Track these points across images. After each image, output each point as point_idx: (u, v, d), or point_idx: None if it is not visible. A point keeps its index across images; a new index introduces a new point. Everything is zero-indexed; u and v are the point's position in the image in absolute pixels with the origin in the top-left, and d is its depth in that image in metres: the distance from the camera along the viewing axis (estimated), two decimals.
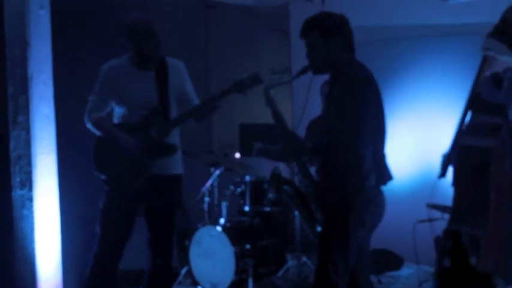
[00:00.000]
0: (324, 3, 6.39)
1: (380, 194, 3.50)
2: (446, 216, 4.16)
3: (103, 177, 4.28)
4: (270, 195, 5.64)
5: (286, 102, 6.58)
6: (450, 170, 4.03)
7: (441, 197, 4.07)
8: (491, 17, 3.94)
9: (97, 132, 4.28)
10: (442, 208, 4.14)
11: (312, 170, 3.76)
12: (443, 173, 4.01)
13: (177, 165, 4.41)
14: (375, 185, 3.44)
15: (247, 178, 5.80)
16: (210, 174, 5.91)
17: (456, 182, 3.82)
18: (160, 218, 4.42)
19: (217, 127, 7.84)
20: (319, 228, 3.61)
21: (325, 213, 3.56)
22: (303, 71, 3.65)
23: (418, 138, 4.57)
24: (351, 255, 3.40)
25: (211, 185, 5.91)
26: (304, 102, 6.34)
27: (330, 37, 3.47)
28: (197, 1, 6.87)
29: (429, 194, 3.94)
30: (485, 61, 3.91)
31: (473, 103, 3.86)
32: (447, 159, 4.04)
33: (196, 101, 4.39)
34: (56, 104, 4.75)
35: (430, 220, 4.10)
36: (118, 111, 4.33)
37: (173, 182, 4.40)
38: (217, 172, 5.86)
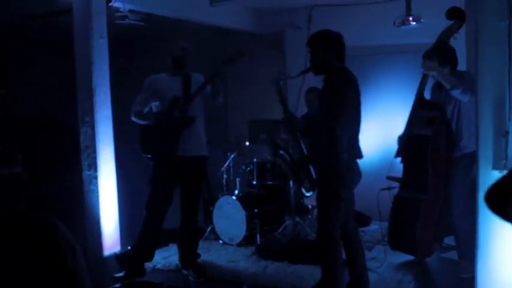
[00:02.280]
0: (309, 30, 6.44)
1: (356, 164, 3.58)
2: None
3: (149, 155, 4.34)
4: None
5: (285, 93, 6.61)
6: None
7: (396, 171, 4.13)
8: (434, 38, 3.99)
9: (138, 122, 4.37)
10: (398, 179, 4.19)
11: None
12: (397, 154, 4.09)
13: (204, 149, 4.46)
14: (349, 159, 3.51)
15: (255, 160, 5.82)
16: (227, 158, 5.94)
17: (404, 160, 3.89)
18: (191, 189, 4.45)
19: (232, 123, 7.82)
20: (302, 189, 3.69)
21: (318, 183, 3.61)
22: (306, 71, 3.70)
23: (380, 128, 4.62)
24: (341, 211, 3.47)
25: (228, 166, 5.93)
26: (297, 101, 6.42)
27: (328, 50, 3.52)
28: (217, 29, 6.90)
29: (388, 168, 3.98)
30: (425, 75, 3.97)
31: (418, 102, 3.93)
32: (399, 144, 4.13)
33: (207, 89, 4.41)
34: (113, 108, 4.79)
35: (389, 188, 4.14)
36: (156, 106, 4.42)
37: (201, 160, 4.46)
38: (232, 156, 5.90)
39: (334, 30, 3.61)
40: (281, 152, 3.87)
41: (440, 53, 3.83)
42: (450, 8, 3.68)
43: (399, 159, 4.20)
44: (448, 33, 3.77)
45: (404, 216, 3.87)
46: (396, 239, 4.00)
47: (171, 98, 4.28)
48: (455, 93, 3.92)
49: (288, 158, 3.83)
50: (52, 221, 1.33)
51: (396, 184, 4.29)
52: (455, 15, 3.67)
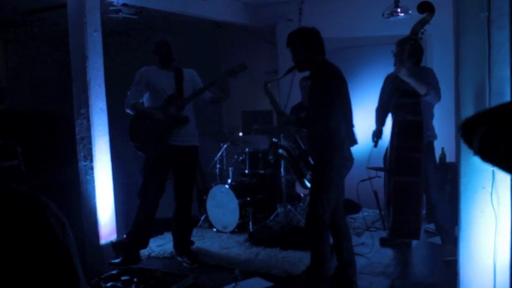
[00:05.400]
0: (300, 22, 6.47)
1: (350, 152, 3.64)
2: (380, 174, 4.29)
3: (135, 144, 4.36)
4: (270, 157, 5.73)
5: (274, 93, 6.64)
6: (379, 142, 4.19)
7: (375, 161, 4.19)
8: None
9: (133, 113, 4.39)
10: (376, 169, 4.25)
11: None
12: (375, 145, 4.19)
13: (194, 139, 4.49)
14: (347, 147, 3.59)
15: (247, 150, 5.85)
16: (220, 148, 5.97)
17: (396, 145, 3.94)
18: (183, 178, 4.48)
19: (225, 114, 7.85)
20: (305, 181, 3.75)
21: (313, 169, 3.67)
22: (290, 70, 3.73)
23: (360, 120, 4.67)
24: (332, 195, 3.54)
25: (221, 155, 5.96)
26: (288, 94, 6.46)
27: (306, 46, 3.56)
28: (209, 23, 6.91)
29: (367, 159, 4.05)
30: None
31: (396, 91, 4.02)
32: (377, 136, 4.22)
33: (207, 95, 4.49)
34: (108, 100, 4.78)
35: (370, 178, 4.20)
36: (148, 98, 4.44)
37: (192, 150, 4.48)
38: (225, 146, 5.92)
39: (309, 26, 3.66)
40: (280, 150, 3.94)
41: (411, 45, 3.92)
42: (420, 2, 3.80)
43: (379, 148, 4.28)
44: (422, 23, 3.89)
45: (408, 201, 3.90)
46: (400, 226, 3.98)
47: (167, 96, 4.31)
48: (428, 98, 3.99)
49: (287, 155, 3.91)
50: (41, 198, 1.39)
51: (377, 174, 4.32)
52: (426, 8, 3.80)
